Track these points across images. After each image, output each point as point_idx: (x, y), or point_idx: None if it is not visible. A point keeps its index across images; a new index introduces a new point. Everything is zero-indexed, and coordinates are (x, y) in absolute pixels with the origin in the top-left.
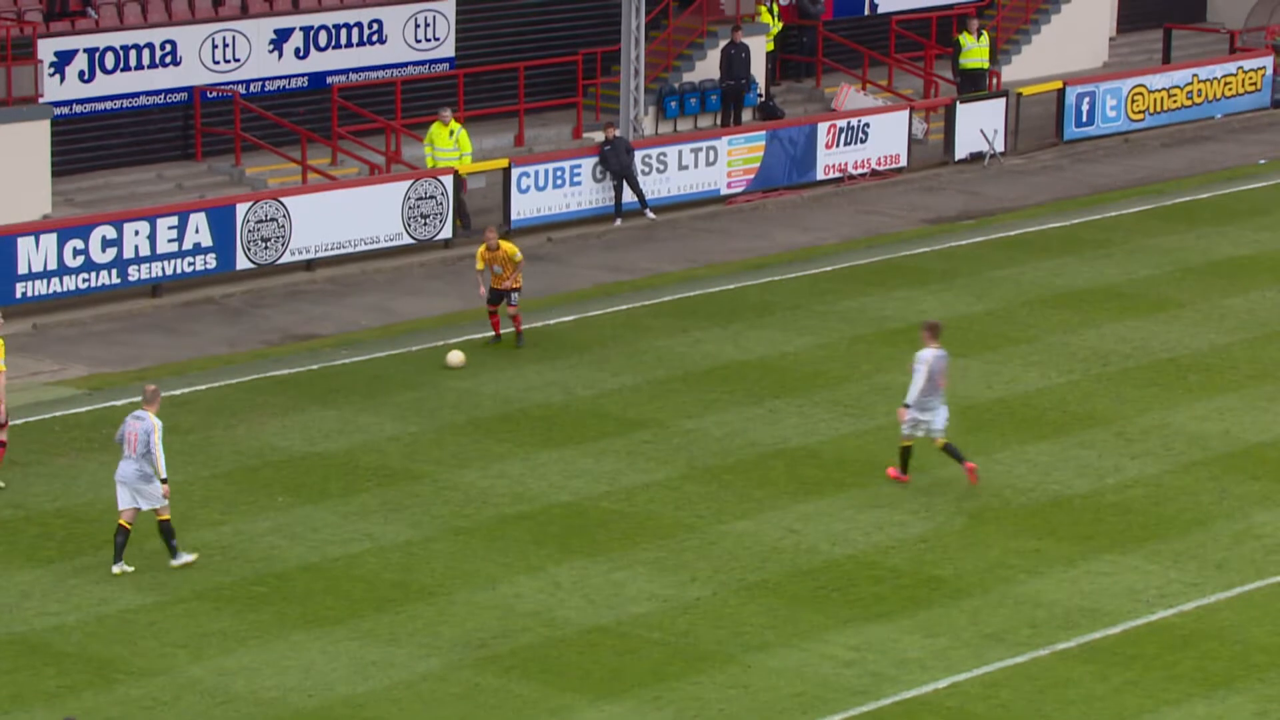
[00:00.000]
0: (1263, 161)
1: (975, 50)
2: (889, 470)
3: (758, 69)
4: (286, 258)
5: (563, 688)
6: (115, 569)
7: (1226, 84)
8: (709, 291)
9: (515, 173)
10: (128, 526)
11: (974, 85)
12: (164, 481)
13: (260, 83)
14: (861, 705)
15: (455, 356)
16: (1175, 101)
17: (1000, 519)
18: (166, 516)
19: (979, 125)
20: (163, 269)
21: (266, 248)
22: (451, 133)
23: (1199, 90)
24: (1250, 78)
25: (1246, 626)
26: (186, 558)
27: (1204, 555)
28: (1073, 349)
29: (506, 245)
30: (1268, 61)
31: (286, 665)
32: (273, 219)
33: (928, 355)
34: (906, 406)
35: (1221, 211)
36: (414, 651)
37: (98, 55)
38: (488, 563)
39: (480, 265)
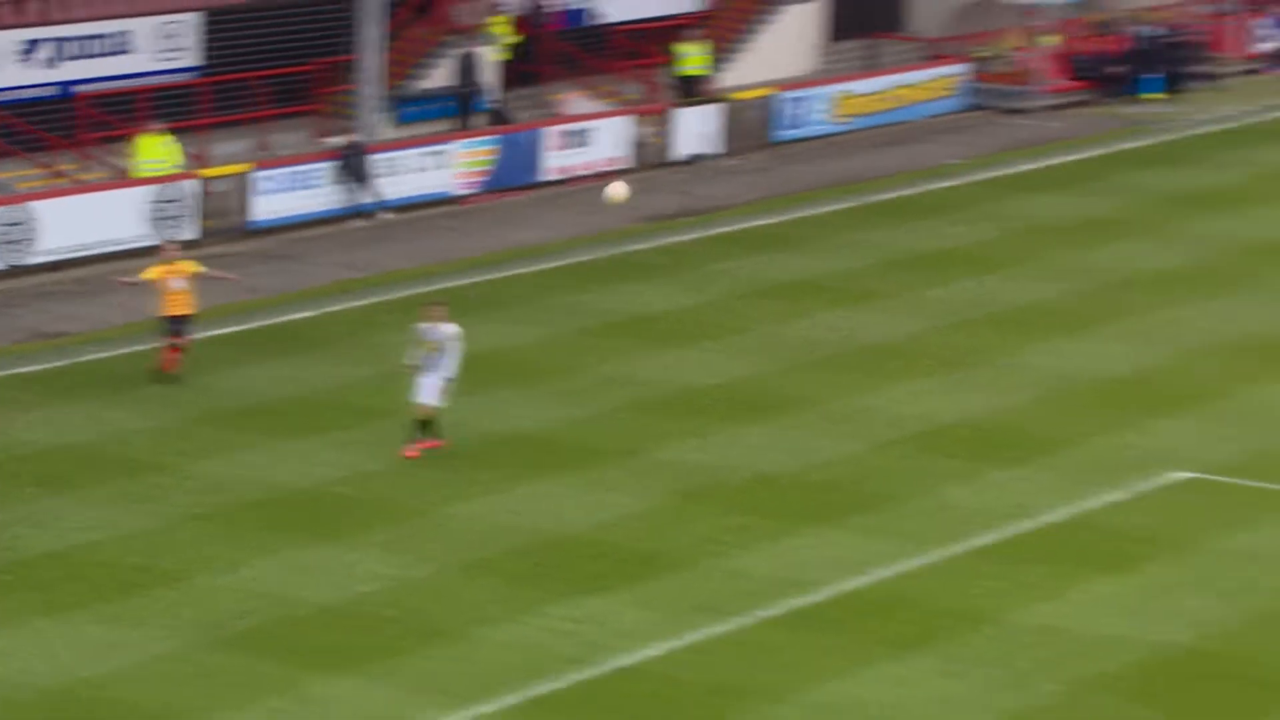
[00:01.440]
0: (957, 161)
1: (693, 59)
2: (409, 452)
3: (490, 76)
4: (34, 259)
5: (298, 664)
6: None
7: (925, 89)
8: (441, 288)
9: (257, 176)
10: None
11: (692, 91)
12: None
13: (9, 91)
14: (580, 673)
15: (618, 190)
16: (879, 105)
17: (713, 497)
18: None
19: (696, 129)
20: None
21: (14, 250)
22: (158, 144)
23: (900, 95)
24: (947, 83)
25: (936, 593)
26: None
27: (900, 528)
28: (784, 337)
29: (187, 263)
30: (963, 68)
31: (29, 650)
32: (20, 222)
33: (452, 330)
34: (450, 380)
35: (920, 208)
36: (155, 634)
37: None
38: (228, 547)
39: (151, 276)
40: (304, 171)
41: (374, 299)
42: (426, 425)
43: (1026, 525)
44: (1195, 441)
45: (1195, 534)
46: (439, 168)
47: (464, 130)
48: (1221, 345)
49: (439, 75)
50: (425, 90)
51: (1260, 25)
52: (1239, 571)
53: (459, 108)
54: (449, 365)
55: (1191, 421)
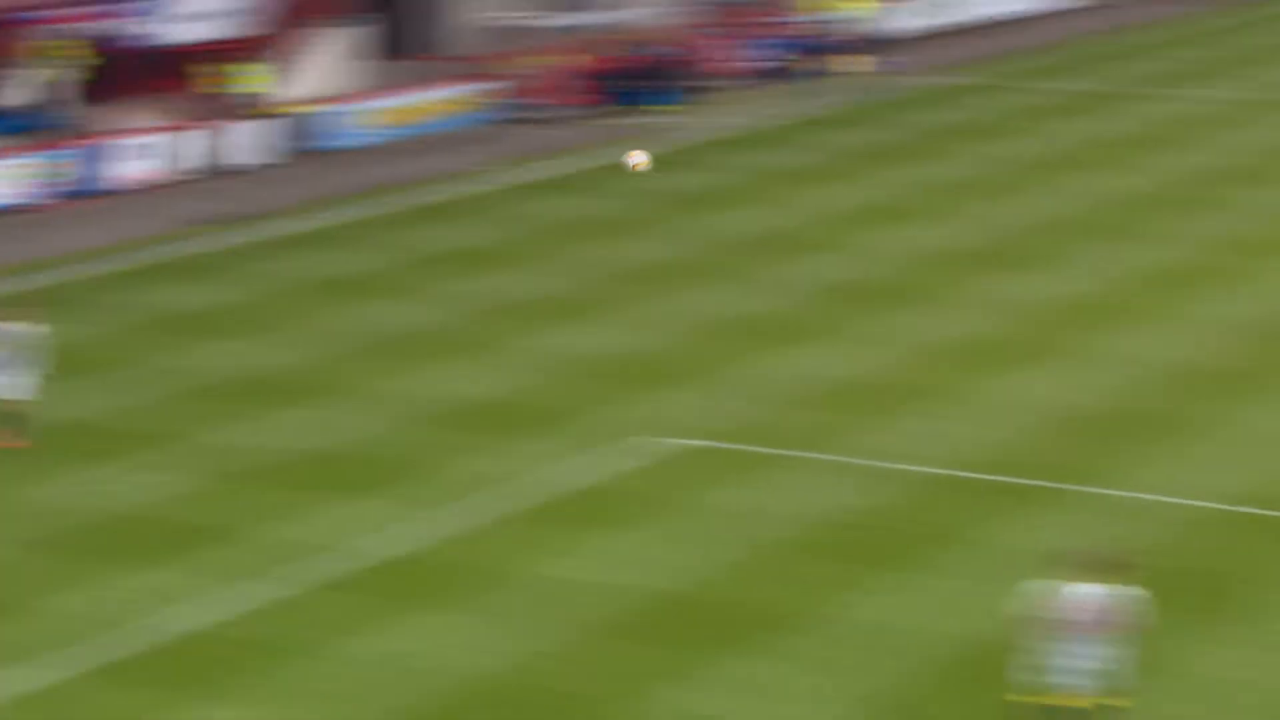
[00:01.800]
0: (486, 168)
1: (252, 76)
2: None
3: (67, 94)
4: None
5: None
6: None
7: (461, 103)
8: (12, 291)
9: None
10: None
11: (250, 105)
12: None
13: None
14: (142, 639)
15: (639, 158)
16: (419, 117)
17: (257, 475)
18: None
19: (252, 140)
20: None
21: None
22: None
23: (438, 108)
24: (480, 98)
25: (466, 554)
26: None
27: (431, 497)
28: (327, 329)
29: None
30: (494, 85)
31: None
32: None
33: (33, 330)
34: (40, 376)
35: (451, 209)
36: None
37: None
38: None
39: None
40: None
41: None
42: (7, 419)
43: (545, 492)
44: (694, 412)
45: (694, 494)
46: (16, 178)
47: (41, 143)
48: (715, 326)
49: (18, 93)
50: (4, 107)
51: (759, 44)
52: (729, 527)
53: (37, 123)
54: (36, 362)
55: (690, 394)
